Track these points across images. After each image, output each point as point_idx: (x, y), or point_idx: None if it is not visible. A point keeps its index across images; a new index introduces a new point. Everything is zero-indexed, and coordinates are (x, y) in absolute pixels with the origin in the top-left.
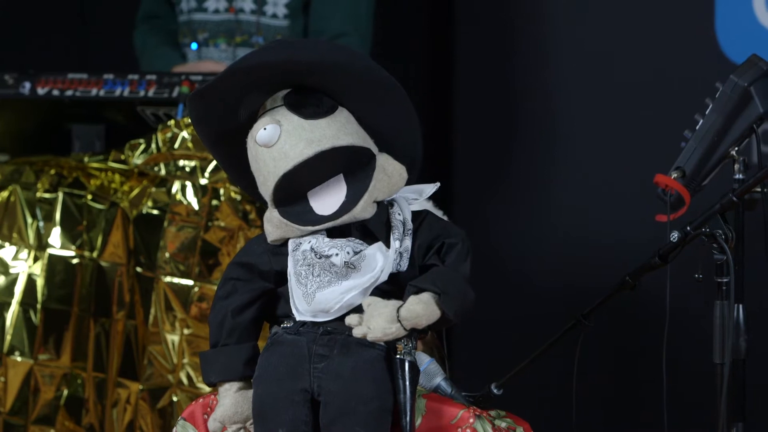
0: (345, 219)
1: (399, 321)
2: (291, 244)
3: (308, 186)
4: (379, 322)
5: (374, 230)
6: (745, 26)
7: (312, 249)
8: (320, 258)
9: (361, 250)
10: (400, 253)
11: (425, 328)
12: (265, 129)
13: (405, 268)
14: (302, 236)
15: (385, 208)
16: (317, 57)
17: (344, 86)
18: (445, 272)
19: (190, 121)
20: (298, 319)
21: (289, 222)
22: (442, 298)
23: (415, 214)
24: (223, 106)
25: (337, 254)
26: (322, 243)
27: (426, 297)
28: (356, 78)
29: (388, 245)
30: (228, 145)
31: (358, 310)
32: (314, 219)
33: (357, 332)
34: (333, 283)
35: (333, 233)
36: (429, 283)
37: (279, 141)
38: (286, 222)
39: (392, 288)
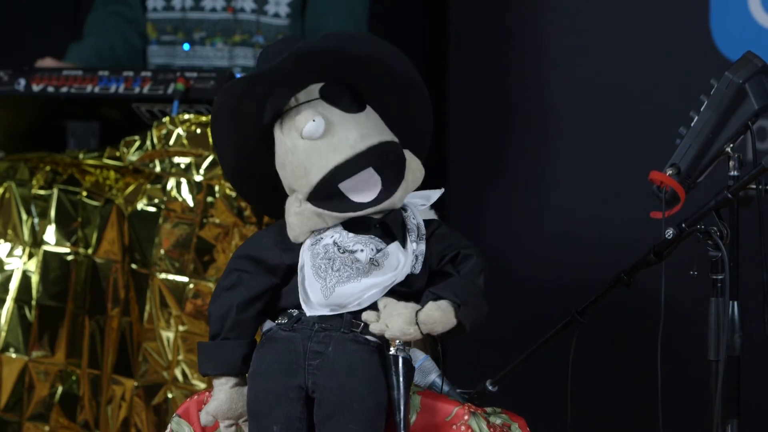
0: (385, 205)
1: (417, 324)
2: (309, 239)
3: (341, 179)
4: (398, 321)
5: (394, 230)
6: (740, 23)
7: (335, 243)
8: (343, 253)
9: (382, 248)
10: (416, 256)
11: (439, 335)
12: (314, 121)
13: (419, 271)
14: (322, 231)
15: (399, 211)
16: (366, 49)
17: (379, 83)
18: (464, 284)
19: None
20: (308, 313)
21: (326, 211)
22: (461, 309)
23: (427, 223)
24: (255, 102)
25: (362, 250)
26: (346, 238)
27: (444, 305)
28: (392, 76)
29: (404, 247)
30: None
31: (372, 308)
32: (353, 206)
33: (374, 328)
34: (352, 279)
35: (354, 230)
36: (449, 292)
37: (326, 133)
38: (321, 212)
39: (406, 290)
